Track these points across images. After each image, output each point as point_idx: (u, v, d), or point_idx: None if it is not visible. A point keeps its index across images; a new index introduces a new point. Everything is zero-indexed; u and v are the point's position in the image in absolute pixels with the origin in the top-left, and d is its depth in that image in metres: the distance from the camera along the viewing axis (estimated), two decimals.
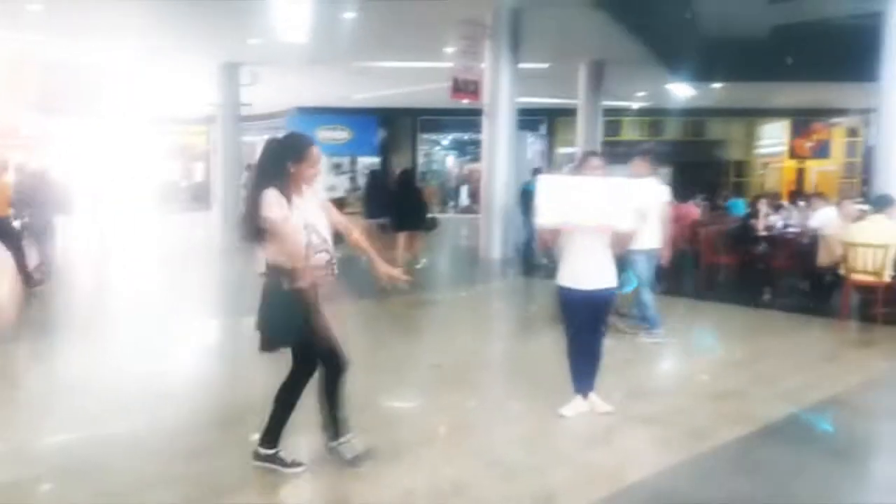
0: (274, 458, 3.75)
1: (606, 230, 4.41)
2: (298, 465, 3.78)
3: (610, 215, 4.30)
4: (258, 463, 3.76)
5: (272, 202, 3.47)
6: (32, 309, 8.69)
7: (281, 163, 3.56)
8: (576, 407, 4.65)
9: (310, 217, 3.60)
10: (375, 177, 13.45)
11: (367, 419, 4.52)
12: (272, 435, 3.76)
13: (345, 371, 3.73)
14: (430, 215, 11.97)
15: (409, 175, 13.23)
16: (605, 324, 4.67)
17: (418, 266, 11.31)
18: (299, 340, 3.64)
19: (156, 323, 7.74)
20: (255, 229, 3.55)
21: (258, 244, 3.62)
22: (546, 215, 4.41)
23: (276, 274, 3.57)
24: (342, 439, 3.79)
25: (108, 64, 17.24)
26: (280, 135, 3.85)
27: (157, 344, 6.73)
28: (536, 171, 8.43)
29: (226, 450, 4.08)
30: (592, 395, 4.73)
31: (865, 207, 9.10)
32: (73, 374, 5.76)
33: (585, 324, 4.60)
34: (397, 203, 11.52)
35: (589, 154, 4.98)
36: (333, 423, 3.79)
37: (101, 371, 5.81)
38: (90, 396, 5.07)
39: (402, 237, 11.10)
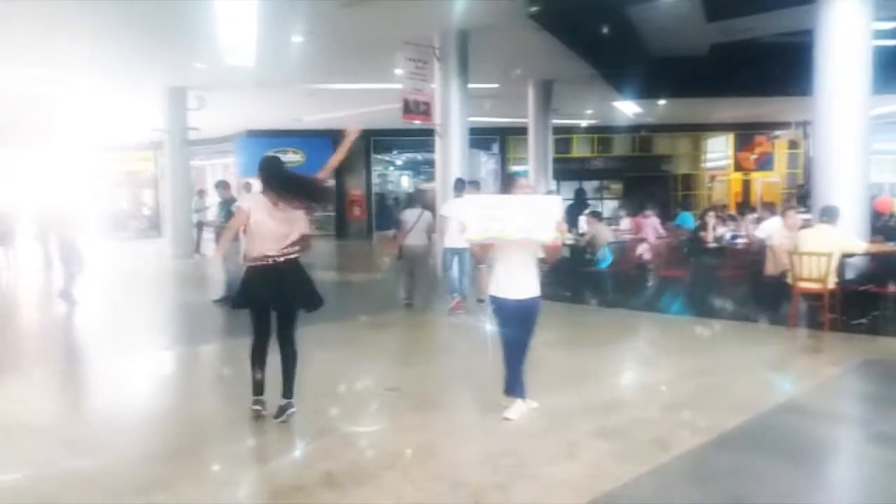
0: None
1: (528, 244, 4.81)
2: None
3: (531, 230, 4.71)
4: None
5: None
6: None
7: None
8: (518, 409, 4.93)
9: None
10: (381, 198, 15.50)
11: (326, 444, 4.48)
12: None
13: None
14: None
15: (416, 195, 15.80)
16: (533, 330, 4.97)
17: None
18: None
19: (106, 355, 7.54)
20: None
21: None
22: (472, 231, 4.81)
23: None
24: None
25: (51, 92, 16.85)
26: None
27: (108, 376, 6.55)
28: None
29: (179, 481, 3.98)
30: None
31: (808, 217, 9.43)
32: (23, 411, 5.55)
33: (515, 329, 4.91)
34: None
35: (514, 175, 5.34)
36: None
37: (52, 407, 5.61)
38: (40, 433, 4.89)
39: None
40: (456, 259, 9.19)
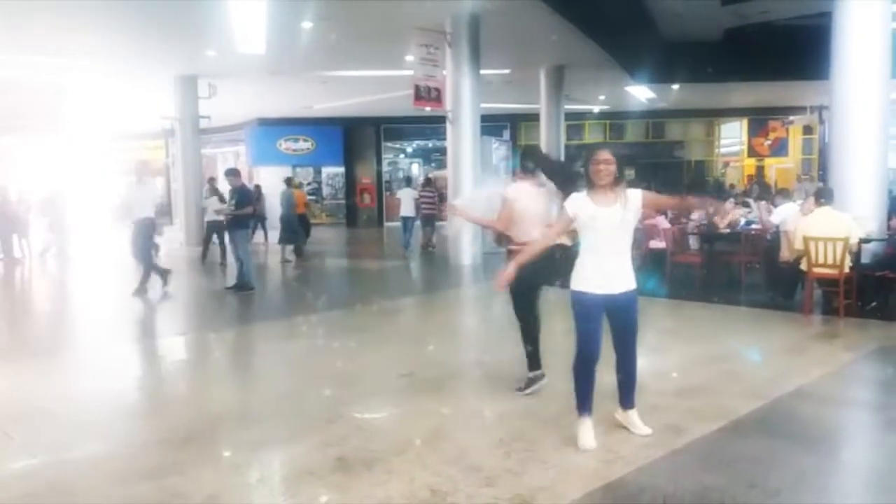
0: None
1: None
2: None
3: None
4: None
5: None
6: None
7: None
8: (588, 432, 4.18)
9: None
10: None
11: (338, 430, 4.48)
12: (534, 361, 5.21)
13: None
14: None
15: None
16: (636, 331, 4.27)
17: (432, 249, 15.41)
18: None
19: (116, 341, 7.58)
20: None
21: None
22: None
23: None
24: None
25: (62, 80, 16.90)
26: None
27: (118, 363, 6.58)
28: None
29: (192, 466, 3.99)
30: (632, 413, 4.39)
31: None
32: (34, 397, 5.59)
33: (614, 332, 4.24)
34: None
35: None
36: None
37: (64, 392, 5.65)
38: (52, 419, 4.92)
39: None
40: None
